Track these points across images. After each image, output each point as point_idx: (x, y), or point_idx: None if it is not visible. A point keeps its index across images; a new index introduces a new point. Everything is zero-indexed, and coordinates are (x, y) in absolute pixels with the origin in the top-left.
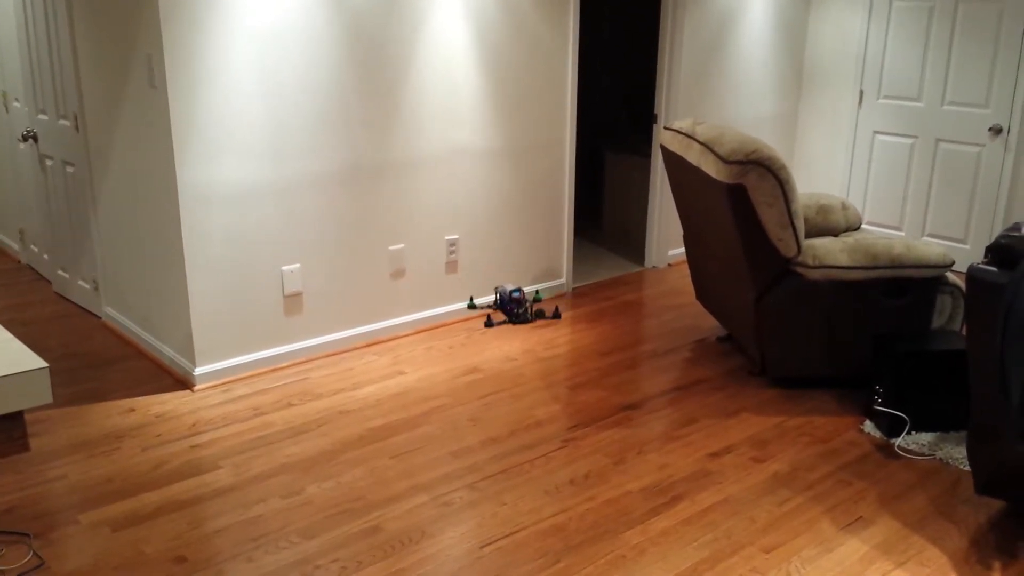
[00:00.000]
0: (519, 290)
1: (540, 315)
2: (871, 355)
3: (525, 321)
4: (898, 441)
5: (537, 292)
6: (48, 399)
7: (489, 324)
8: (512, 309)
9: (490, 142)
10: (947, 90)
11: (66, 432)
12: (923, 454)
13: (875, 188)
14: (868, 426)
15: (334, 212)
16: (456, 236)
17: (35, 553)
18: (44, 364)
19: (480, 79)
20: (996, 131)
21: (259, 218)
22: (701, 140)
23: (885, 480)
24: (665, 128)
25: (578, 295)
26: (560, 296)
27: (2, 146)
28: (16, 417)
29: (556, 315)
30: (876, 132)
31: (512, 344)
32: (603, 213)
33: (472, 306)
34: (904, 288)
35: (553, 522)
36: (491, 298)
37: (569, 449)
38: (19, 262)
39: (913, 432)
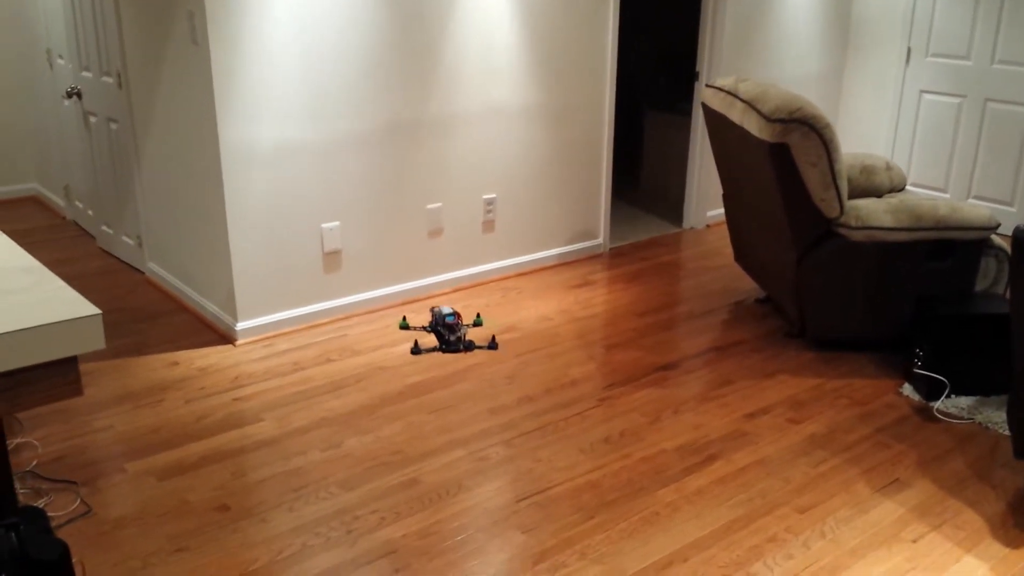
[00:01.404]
0: (455, 314)
1: (470, 346)
2: (912, 318)
3: (456, 350)
4: (937, 404)
5: (478, 316)
6: (101, 345)
7: (416, 351)
8: (445, 336)
9: (528, 100)
10: (997, 48)
11: (112, 384)
12: (962, 418)
13: (920, 148)
14: (907, 389)
15: (373, 171)
16: (494, 195)
17: (83, 500)
18: (97, 311)
19: (518, 37)
20: None
21: (299, 176)
22: (744, 98)
23: (923, 443)
24: (707, 86)
25: (615, 255)
26: (596, 256)
27: (47, 103)
28: (71, 361)
29: (492, 345)
30: (923, 91)
31: (548, 304)
32: (641, 173)
33: (404, 326)
34: (948, 250)
35: (588, 479)
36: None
37: (604, 408)
38: (64, 218)
39: (952, 396)
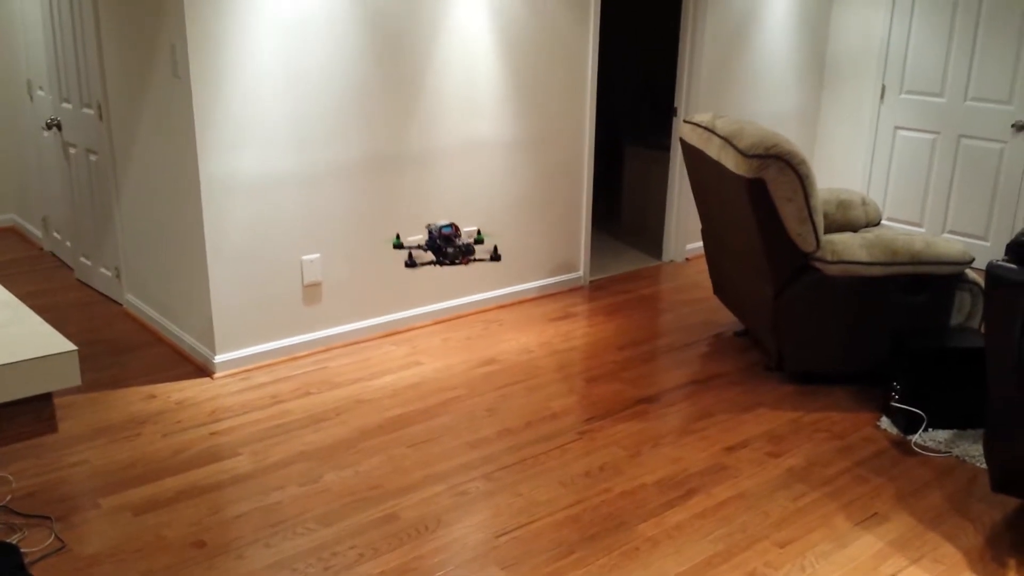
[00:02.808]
0: (451, 225)
1: (469, 250)
2: (889, 352)
3: (455, 262)
4: (915, 438)
5: (479, 232)
6: (77, 381)
7: (410, 264)
8: (442, 248)
9: (509, 133)
10: (970, 86)
11: (88, 417)
12: (940, 451)
13: (896, 184)
14: (885, 422)
15: (354, 202)
16: (474, 228)
17: (57, 536)
18: (73, 347)
19: (500, 70)
20: (1019, 128)
21: (280, 208)
22: (721, 134)
23: (901, 477)
24: (685, 121)
25: (595, 288)
26: (577, 288)
27: (27, 134)
28: (45, 398)
29: (496, 256)
30: (898, 127)
31: (529, 336)
32: (621, 206)
33: (398, 245)
34: (923, 285)
35: (568, 513)
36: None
37: (585, 441)
38: (42, 249)
39: (930, 429)
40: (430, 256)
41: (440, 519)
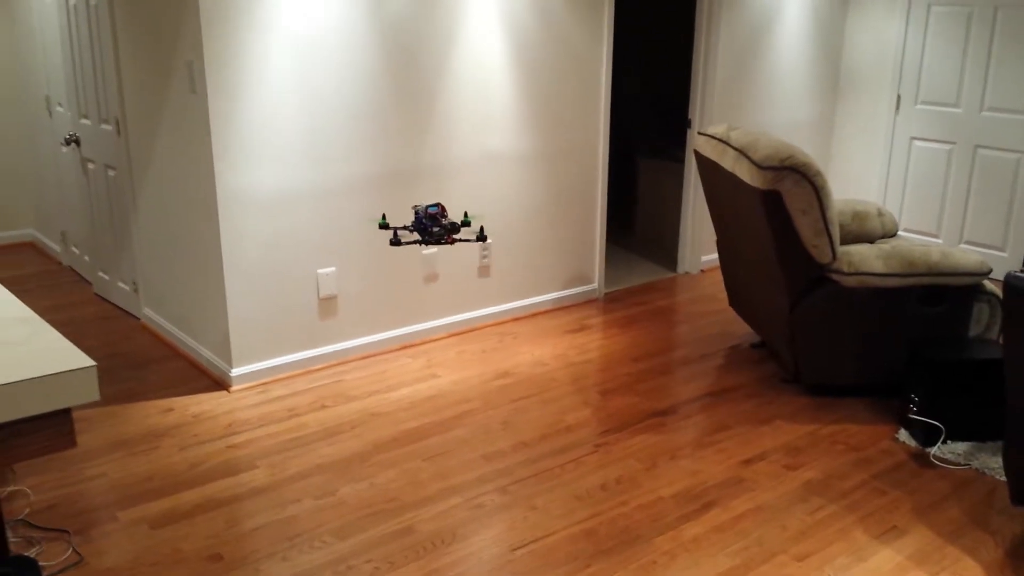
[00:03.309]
0: (437, 205)
1: (455, 228)
2: (906, 363)
3: (440, 241)
4: (933, 450)
5: (466, 215)
6: (96, 396)
7: (395, 243)
8: (428, 227)
9: (523, 147)
10: (986, 96)
11: (106, 431)
12: (958, 464)
13: (912, 194)
14: (903, 435)
15: (369, 216)
16: (489, 241)
17: (75, 550)
18: (92, 362)
19: (513, 85)
20: None
21: (295, 222)
22: (736, 146)
23: (920, 489)
24: (699, 133)
25: (610, 300)
26: (592, 301)
27: (46, 150)
28: (65, 413)
29: (482, 237)
30: (913, 138)
31: (544, 349)
32: (636, 218)
33: (384, 225)
34: (941, 296)
35: (584, 527)
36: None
37: (600, 454)
38: (60, 263)
39: (948, 441)
40: (416, 236)
41: (456, 532)
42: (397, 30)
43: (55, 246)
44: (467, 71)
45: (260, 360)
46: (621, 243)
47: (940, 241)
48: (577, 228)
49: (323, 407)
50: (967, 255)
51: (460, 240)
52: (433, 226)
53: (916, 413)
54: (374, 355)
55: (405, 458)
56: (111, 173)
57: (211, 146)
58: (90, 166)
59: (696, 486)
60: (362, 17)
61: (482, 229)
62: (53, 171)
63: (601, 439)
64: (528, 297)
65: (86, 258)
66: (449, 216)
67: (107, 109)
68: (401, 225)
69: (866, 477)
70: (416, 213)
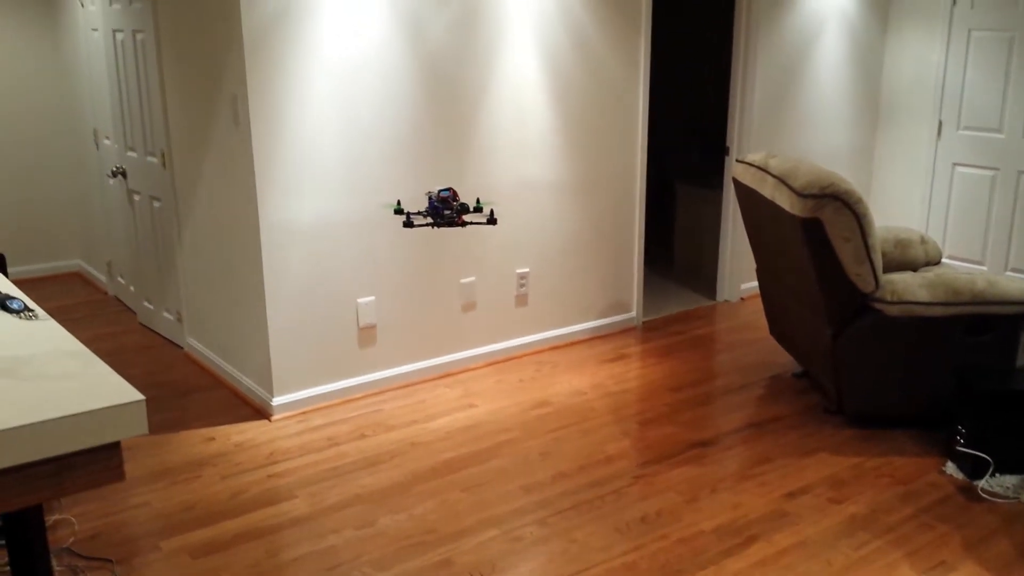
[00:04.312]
0: (449, 189)
1: (464, 209)
2: (953, 394)
3: (452, 223)
4: (981, 483)
5: (478, 201)
6: (144, 430)
7: (408, 224)
8: (439, 210)
9: (560, 175)
10: None
11: (149, 460)
12: (1008, 497)
13: (955, 221)
14: (950, 467)
15: (407, 245)
16: (527, 269)
17: None
18: (141, 397)
19: (551, 113)
20: None
21: (336, 252)
22: (775, 173)
23: (968, 524)
24: (737, 161)
25: (648, 329)
26: (630, 329)
27: (93, 181)
28: (114, 447)
29: (492, 220)
30: (956, 164)
31: (582, 378)
32: (674, 246)
33: (399, 210)
34: (987, 325)
35: (624, 560)
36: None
37: (640, 486)
38: (106, 293)
39: (997, 474)
40: (428, 220)
41: (495, 565)
42: (436, 58)
43: (101, 276)
44: (505, 100)
45: (301, 389)
46: (659, 271)
47: (985, 268)
48: (614, 256)
49: (362, 436)
50: (1013, 283)
51: (471, 223)
52: (444, 209)
53: (963, 445)
54: (412, 384)
55: (444, 489)
56: (156, 204)
57: (254, 177)
58: (136, 198)
59: (738, 519)
60: (402, 48)
61: (492, 212)
62: (100, 203)
63: (641, 470)
64: (566, 326)
65: (131, 288)
66: (458, 196)
67: (153, 142)
68: (415, 210)
69: (913, 511)
70: (429, 198)
